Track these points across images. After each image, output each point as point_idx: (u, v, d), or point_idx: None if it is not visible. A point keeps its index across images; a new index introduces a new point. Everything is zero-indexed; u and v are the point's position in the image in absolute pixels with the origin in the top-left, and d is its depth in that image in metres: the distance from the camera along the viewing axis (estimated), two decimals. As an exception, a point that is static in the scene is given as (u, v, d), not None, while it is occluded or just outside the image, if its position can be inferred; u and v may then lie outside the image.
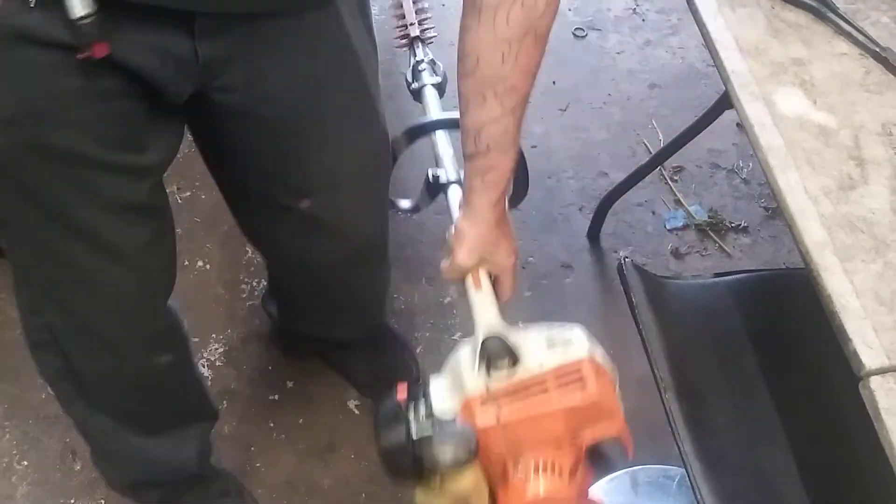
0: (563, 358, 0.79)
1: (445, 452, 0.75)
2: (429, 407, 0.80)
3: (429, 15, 2.02)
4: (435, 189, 1.31)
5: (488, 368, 0.80)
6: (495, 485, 0.79)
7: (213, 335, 1.72)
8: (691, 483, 0.99)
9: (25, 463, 1.55)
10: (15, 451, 1.56)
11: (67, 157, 0.86)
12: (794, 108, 0.99)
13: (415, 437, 0.77)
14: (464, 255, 0.91)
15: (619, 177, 1.90)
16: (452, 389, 0.81)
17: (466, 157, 0.89)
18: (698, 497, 0.98)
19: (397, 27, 1.99)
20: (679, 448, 1.01)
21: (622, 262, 1.16)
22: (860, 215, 0.90)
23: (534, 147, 2.09)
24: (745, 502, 1.02)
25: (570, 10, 2.43)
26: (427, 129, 1.45)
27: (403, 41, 1.90)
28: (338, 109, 1.03)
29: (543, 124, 2.14)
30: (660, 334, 1.10)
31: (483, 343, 0.81)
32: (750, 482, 1.04)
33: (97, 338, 1.08)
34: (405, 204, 1.36)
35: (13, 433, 1.58)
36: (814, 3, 1.08)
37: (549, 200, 2.00)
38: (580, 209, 1.99)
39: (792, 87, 1.01)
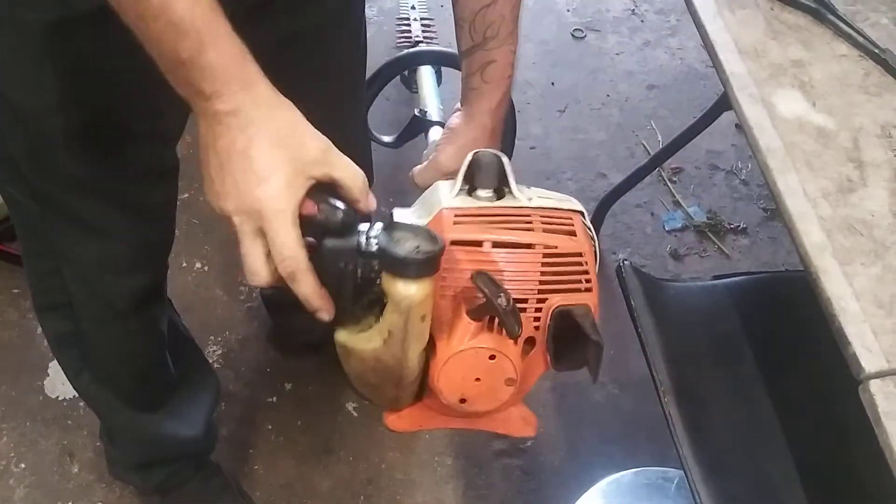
0: (556, 205, 0.71)
1: (407, 241, 0.62)
2: (389, 223, 0.68)
3: (432, 23, 2.10)
4: (419, 126, 1.30)
5: (470, 192, 0.72)
6: (437, 331, 0.69)
7: (212, 337, 1.72)
8: (690, 486, 0.99)
9: (23, 465, 1.55)
10: (12, 454, 1.56)
11: (108, 131, 0.88)
12: (794, 110, 0.99)
13: (364, 248, 0.65)
14: (450, 154, 0.84)
15: (617, 178, 1.90)
16: (422, 214, 0.72)
17: (464, 54, 0.86)
18: (697, 500, 0.98)
19: (402, 33, 2.06)
20: (678, 451, 1.01)
21: (621, 264, 1.16)
22: (859, 218, 0.89)
23: (532, 148, 2.09)
24: (744, 505, 1.02)
25: (568, 10, 2.43)
26: (417, 58, 1.47)
27: (407, 44, 1.97)
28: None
29: (542, 125, 2.14)
30: (659, 337, 1.09)
31: (474, 156, 0.71)
32: (748, 485, 1.04)
33: (105, 301, 1.09)
34: (387, 138, 1.37)
35: (10, 435, 1.58)
36: (813, 5, 1.08)
37: (548, 202, 2.00)
38: (579, 210, 1.99)
39: (791, 89, 1.01)
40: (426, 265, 0.62)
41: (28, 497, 1.51)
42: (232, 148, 0.65)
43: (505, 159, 0.71)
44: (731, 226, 1.98)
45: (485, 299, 0.64)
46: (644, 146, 2.13)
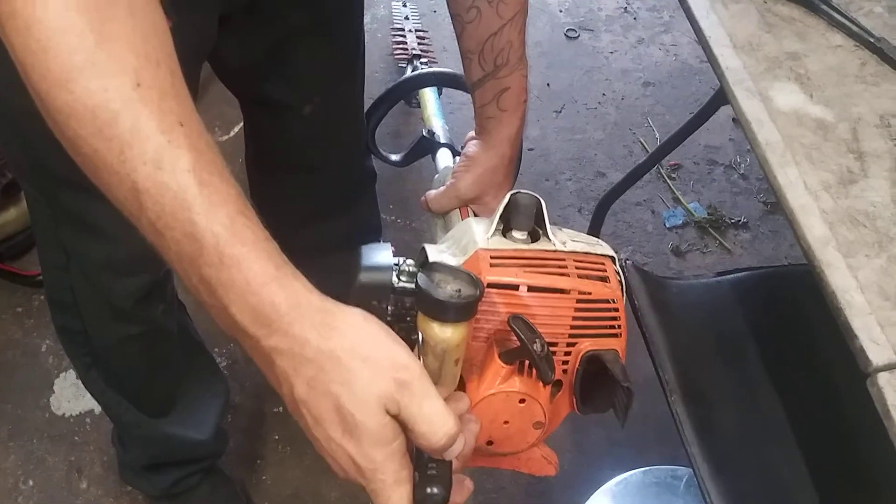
0: (588, 249, 0.71)
1: (448, 284, 0.59)
2: (423, 261, 0.67)
3: (427, 37, 2.11)
4: (426, 146, 1.30)
5: (505, 233, 0.71)
6: (468, 373, 0.68)
7: (216, 349, 1.72)
8: (699, 484, 0.98)
9: (31, 482, 1.55)
10: (20, 471, 1.56)
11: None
12: (791, 103, 0.98)
13: (399, 286, 0.64)
14: (468, 182, 0.84)
15: (616, 177, 1.90)
16: (456, 252, 0.71)
17: (475, 86, 0.85)
18: (706, 498, 0.98)
19: (398, 45, 2.07)
20: (686, 449, 1.00)
21: (623, 264, 1.16)
22: (861, 209, 0.89)
23: (530, 150, 2.08)
24: (754, 502, 1.02)
25: (561, 11, 2.43)
26: (421, 81, 1.48)
27: (404, 56, 1.98)
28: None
29: (539, 127, 2.14)
30: (663, 336, 1.09)
31: (511, 197, 0.70)
32: (758, 482, 1.04)
33: (107, 300, 1.09)
34: (394, 157, 1.38)
35: (18, 453, 1.58)
36: (806, -3, 1.08)
37: (548, 203, 1.95)
38: (579, 210, 1.98)
39: (787, 82, 1.00)
40: (465, 310, 0.59)
41: (36, 515, 1.51)
42: (292, 399, 0.54)
43: (542, 202, 0.72)
44: (732, 220, 1.97)
45: (519, 343, 0.63)
46: (642, 144, 2.12)
